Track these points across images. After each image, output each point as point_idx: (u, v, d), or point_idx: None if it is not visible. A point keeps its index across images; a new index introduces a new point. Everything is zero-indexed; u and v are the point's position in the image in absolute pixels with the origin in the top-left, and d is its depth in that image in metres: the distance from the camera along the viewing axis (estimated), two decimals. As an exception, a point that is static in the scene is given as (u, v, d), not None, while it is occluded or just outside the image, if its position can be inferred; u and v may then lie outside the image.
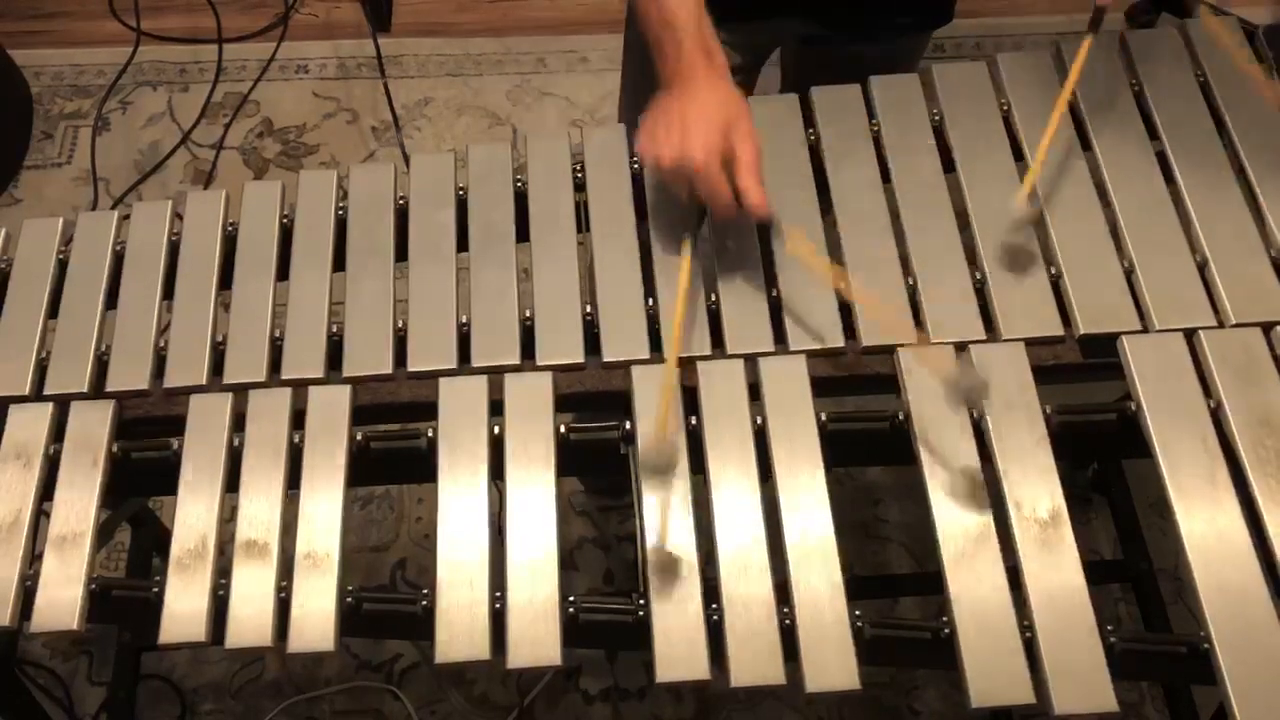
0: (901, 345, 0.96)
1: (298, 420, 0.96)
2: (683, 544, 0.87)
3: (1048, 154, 1.02)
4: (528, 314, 1.00)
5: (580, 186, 1.08)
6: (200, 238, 1.08)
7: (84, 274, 1.07)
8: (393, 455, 0.96)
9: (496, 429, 0.94)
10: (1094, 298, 0.98)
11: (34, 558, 0.92)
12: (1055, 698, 0.80)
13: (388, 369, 0.99)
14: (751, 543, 0.87)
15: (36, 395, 1.00)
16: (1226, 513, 0.86)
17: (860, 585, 0.86)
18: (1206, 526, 0.86)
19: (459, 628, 0.86)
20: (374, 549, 1.82)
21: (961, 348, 0.96)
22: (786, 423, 0.92)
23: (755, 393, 0.95)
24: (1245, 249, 0.99)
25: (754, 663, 0.83)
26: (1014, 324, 0.97)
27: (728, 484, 0.90)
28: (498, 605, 0.86)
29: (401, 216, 1.08)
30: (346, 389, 0.97)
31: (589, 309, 1.00)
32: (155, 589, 0.89)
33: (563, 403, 0.96)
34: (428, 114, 2.34)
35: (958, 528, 0.87)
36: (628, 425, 0.93)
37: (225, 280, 1.06)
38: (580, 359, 0.98)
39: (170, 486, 0.94)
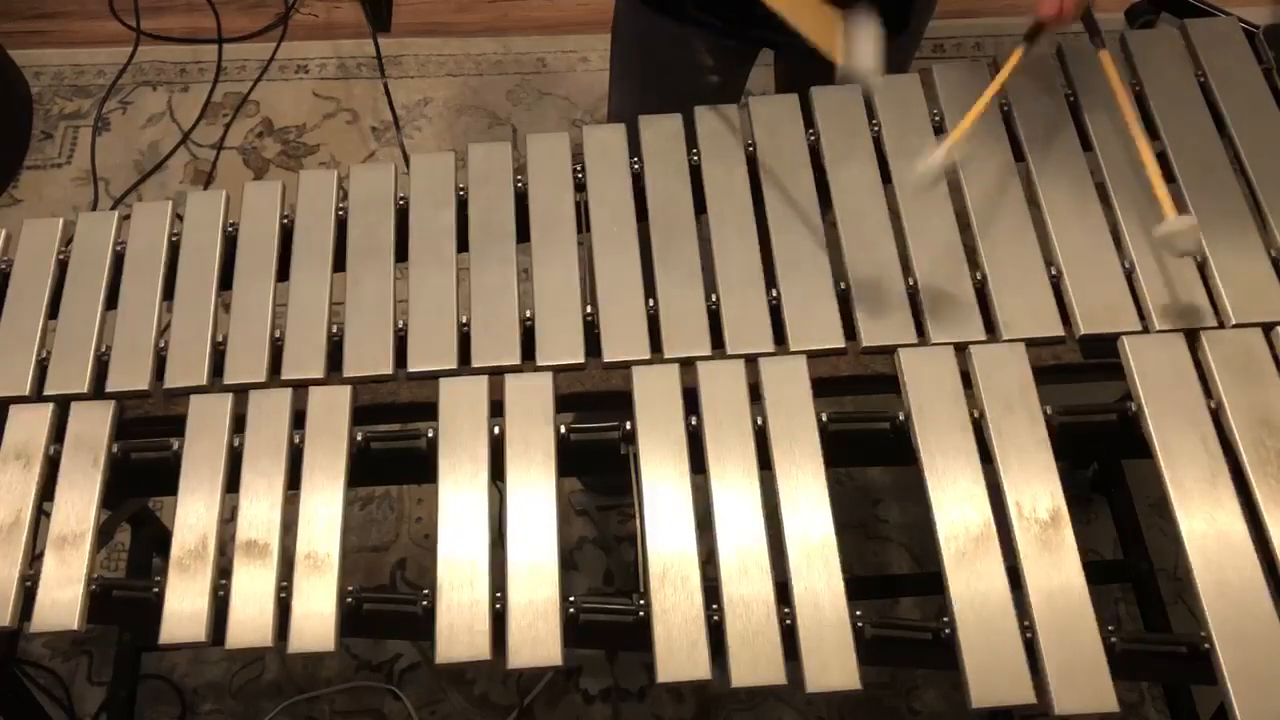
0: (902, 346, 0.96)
1: (298, 420, 0.96)
2: (683, 544, 0.88)
3: (1046, 153, 1.02)
4: (528, 314, 1.00)
5: (580, 186, 1.08)
6: (200, 238, 1.08)
7: (84, 274, 1.06)
8: (393, 455, 0.96)
9: (497, 429, 0.94)
10: (1094, 298, 0.98)
11: (34, 558, 0.92)
12: (1055, 698, 0.80)
13: (388, 369, 0.99)
14: (752, 543, 0.87)
15: (36, 395, 1.00)
16: (1227, 513, 0.87)
17: (860, 585, 0.87)
18: (1206, 526, 0.86)
19: (459, 628, 0.86)
20: (374, 549, 1.82)
21: (961, 348, 0.96)
22: (787, 423, 0.92)
23: (755, 393, 0.95)
24: (1245, 249, 0.99)
25: (754, 663, 0.83)
26: (1014, 324, 0.97)
27: (728, 484, 0.90)
28: (498, 605, 0.86)
29: (401, 216, 1.08)
30: (346, 389, 0.97)
31: (589, 309, 1.00)
32: (155, 589, 0.89)
33: (563, 403, 0.96)
34: (428, 114, 2.33)
35: (958, 528, 0.87)
36: (628, 425, 0.93)
37: (225, 280, 1.06)
38: (580, 359, 0.98)
39: (170, 487, 0.94)
